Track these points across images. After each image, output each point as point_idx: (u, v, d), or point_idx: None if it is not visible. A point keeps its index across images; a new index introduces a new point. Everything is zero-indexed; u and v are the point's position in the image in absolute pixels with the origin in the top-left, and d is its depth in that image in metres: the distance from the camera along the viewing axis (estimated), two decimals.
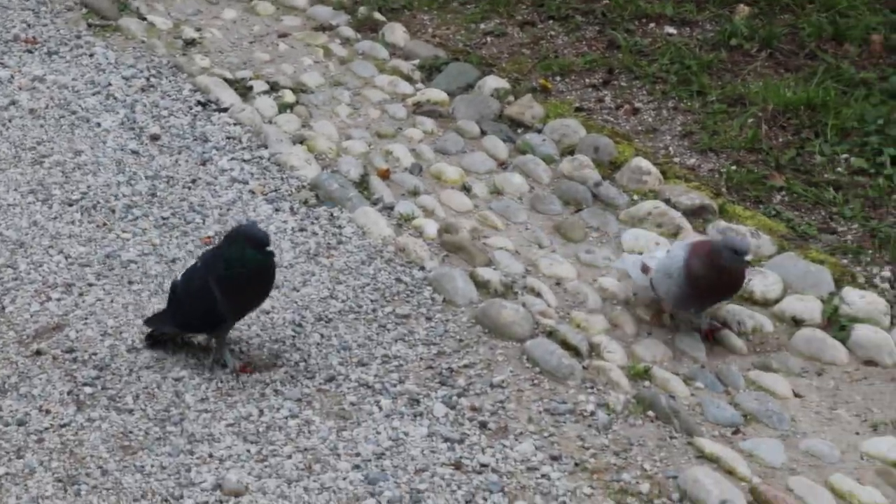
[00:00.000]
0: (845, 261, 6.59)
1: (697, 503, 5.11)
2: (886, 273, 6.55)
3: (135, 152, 7.56)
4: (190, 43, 8.88)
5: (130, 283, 6.39)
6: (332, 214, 6.96)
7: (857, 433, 5.52)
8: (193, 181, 7.29)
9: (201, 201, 7.10)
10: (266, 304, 6.11)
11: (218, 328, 5.78)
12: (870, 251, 6.72)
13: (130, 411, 5.55)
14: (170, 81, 8.30)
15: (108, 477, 5.20)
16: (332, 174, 7.23)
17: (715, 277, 5.78)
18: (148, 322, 5.97)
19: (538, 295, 6.29)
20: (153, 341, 5.96)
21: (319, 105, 8.09)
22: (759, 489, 5.16)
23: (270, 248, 5.58)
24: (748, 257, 5.67)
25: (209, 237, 6.77)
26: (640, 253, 6.33)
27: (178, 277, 5.89)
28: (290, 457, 5.33)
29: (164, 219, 6.94)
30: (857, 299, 6.20)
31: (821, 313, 6.18)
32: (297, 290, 6.36)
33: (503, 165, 7.52)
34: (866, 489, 5.21)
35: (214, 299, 5.60)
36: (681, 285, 5.80)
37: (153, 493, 5.14)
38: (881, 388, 5.76)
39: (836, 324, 6.10)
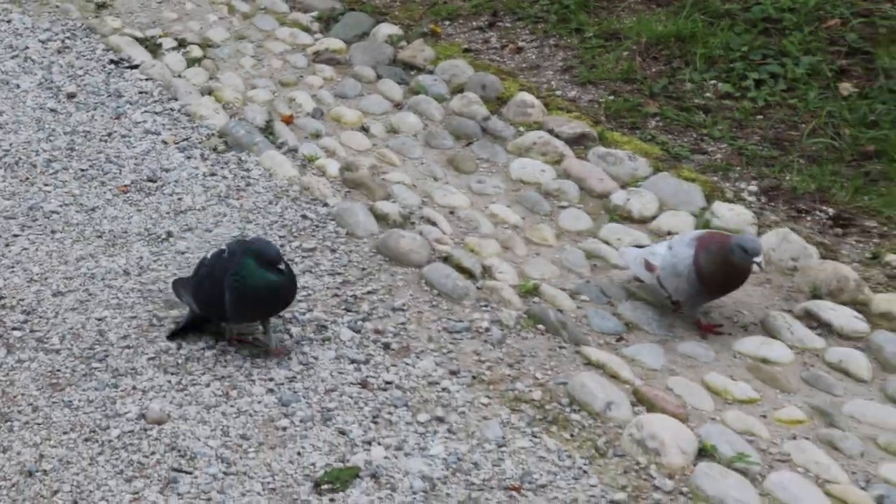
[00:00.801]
0: (715, 178, 6.63)
1: (585, 406, 5.13)
2: (753, 187, 6.61)
3: (53, 110, 7.53)
4: (101, 5, 8.85)
5: (53, 232, 6.38)
6: (240, 159, 6.94)
7: (730, 334, 5.56)
8: (109, 134, 7.26)
9: (117, 153, 7.08)
10: (181, 245, 6.12)
11: (224, 321, 5.60)
12: (737, 168, 6.78)
13: (57, 351, 5.53)
14: (84, 42, 8.25)
15: (39, 413, 5.19)
16: (239, 122, 7.21)
17: (726, 276, 5.57)
18: (175, 284, 5.77)
19: (434, 224, 6.30)
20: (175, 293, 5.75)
21: (225, 58, 8.06)
22: (640, 390, 5.20)
23: (281, 266, 5.32)
24: (759, 259, 5.43)
25: (125, 186, 6.74)
26: (639, 246, 6.01)
27: (209, 255, 5.58)
28: (208, 385, 5.33)
29: (82, 171, 6.92)
30: (726, 212, 6.25)
31: (694, 226, 6.20)
32: (210, 231, 6.35)
33: (398, 106, 7.51)
34: (738, 384, 5.27)
35: (224, 299, 5.39)
36: (692, 283, 5.57)
37: (81, 426, 5.14)
38: (750, 291, 5.81)
39: None
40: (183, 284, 5.65)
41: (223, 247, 5.50)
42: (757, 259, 5.37)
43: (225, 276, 5.33)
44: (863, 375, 5.30)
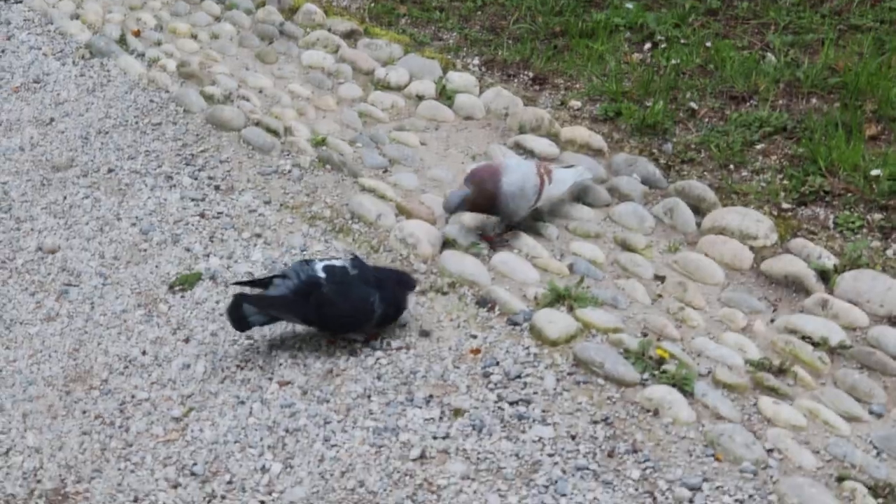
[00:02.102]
0: (449, 56, 6.62)
1: (362, 218, 5.14)
2: (476, 61, 6.62)
3: None
4: None
5: None
6: (102, 63, 6.74)
7: (463, 162, 5.59)
8: (2, 51, 7.00)
9: (9, 64, 6.84)
10: (61, 126, 5.98)
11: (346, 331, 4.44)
12: (465, 48, 6.78)
13: None
14: None
15: None
16: (100, 36, 6.98)
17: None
18: (260, 302, 4.35)
19: (247, 100, 6.21)
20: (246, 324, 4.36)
21: None
22: (401, 204, 5.23)
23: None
24: None
25: (17, 87, 6.52)
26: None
27: (310, 273, 4.34)
28: (87, 224, 5.22)
29: None
30: (457, 78, 6.26)
31: (435, 90, 6.19)
32: (82, 115, 6.16)
33: (218, 19, 7.33)
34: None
35: (372, 314, 4.34)
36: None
37: None
38: (477, 132, 5.84)
39: (445, 95, 6.14)
40: (276, 304, 4.32)
41: (337, 263, 4.38)
42: None
43: (371, 294, 4.30)
44: None
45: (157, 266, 4.90)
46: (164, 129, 5.95)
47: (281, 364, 4.30)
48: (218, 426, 4.03)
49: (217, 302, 4.63)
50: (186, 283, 4.76)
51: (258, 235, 5.06)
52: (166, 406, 4.15)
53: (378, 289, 4.28)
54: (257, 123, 5.92)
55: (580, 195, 5.24)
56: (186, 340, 4.45)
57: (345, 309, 4.27)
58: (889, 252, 4.77)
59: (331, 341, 4.40)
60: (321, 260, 4.37)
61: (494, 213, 4.91)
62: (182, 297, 4.69)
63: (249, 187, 5.41)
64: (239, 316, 4.26)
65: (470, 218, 4.96)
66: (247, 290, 4.45)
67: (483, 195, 4.79)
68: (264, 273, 4.72)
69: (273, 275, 4.41)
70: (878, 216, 4.98)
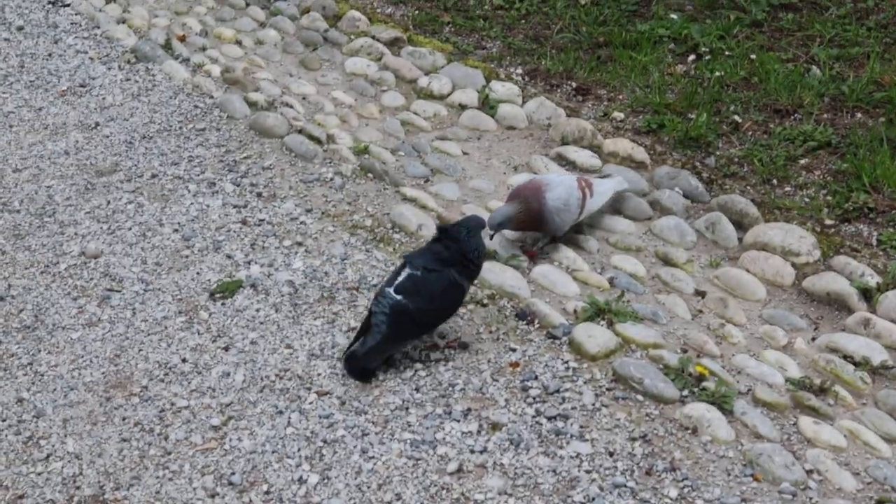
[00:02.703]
0: (492, 65, 6.60)
1: (404, 228, 5.14)
2: (519, 71, 6.61)
3: (7, 39, 7.28)
4: None
5: (10, 126, 6.19)
6: (147, 68, 6.78)
7: (504, 173, 5.58)
8: (49, 55, 7.04)
9: (56, 68, 6.88)
10: (106, 131, 6.03)
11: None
12: (508, 58, 6.76)
13: (18, 211, 5.38)
14: None
15: (6, 255, 5.06)
16: (146, 41, 7.02)
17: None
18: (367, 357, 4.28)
19: (291, 107, 6.22)
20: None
21: None
22: (442, 215, 5.23)
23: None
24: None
25: (63, 90, 6.57)
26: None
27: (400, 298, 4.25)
28: (130, 229, 5.24)
29: (31, 81, 6.71)
30: (500, 88, 6.25)
31: (478, 99, 6.19)
32: (127, 120, 6.19)
33: (262, 25, 7.35)
34: None
35: (461, 285, 4.33)
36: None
37: (38, 262, 5.03)
38: (519, 143, 5.83)
39: (488, 105, 6.13)
40: (385, 348, 4.27)
41: (401, 277, 4.31)
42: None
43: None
44: None
45: (198, 273, 4.91)
46: (208, 135, 5.97)
47: (320, 374, 4.30)
48: (256, 436, 4.03)
49: (257, 310, 4.63)
50: (227, 290, 4.78)
51: (299, 244, 5.06)
52: (205, 414, 4.16)
53: (451, 264, 4.22)
54: (300, 131, 5.93)
55: (621, 208, 5.21)
56: (226, 349, 4.46)
57: (439, 307, 4.26)
58: None
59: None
60: (388, 285, 4.28)
61: (539, 230, 4.89)
62: (223, 304, 4.70)
63: (291, 195, 5.42)
64: (362, 371, 4.25)
65: (511, 231, 4.95)
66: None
67: (529, 212, 4.78)
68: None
69: (367, 316, 4.32)
70: None
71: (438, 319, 4.31)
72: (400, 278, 4.26)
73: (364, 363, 4.23)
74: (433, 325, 4.32)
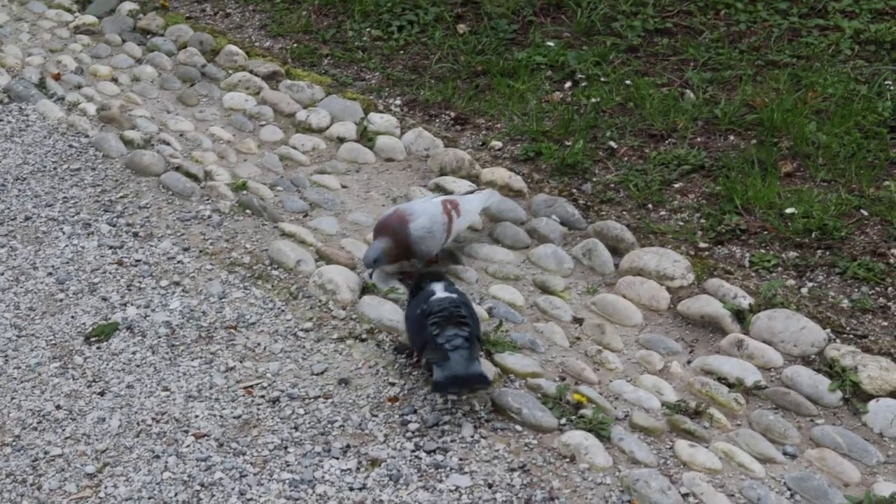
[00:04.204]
0: (371, 97, 6.62)
1: (282, 264, 5.11)
2: (398, 101, 6.63)
3: None
4: None
5: None
6: (20, 108, 6.67)
7: (384, 205, 5.59)
8: None
9: None
10: None
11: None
12: (387, 89, 6.78)
13: None
14: None
15: None
16: (20, 80, 6.91)
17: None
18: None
19: (168, 144, 6.16)
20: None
21: (7, 35, 7.69)
22: (321, 249, 5.20)
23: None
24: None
25: None
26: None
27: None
28: (2, 274, 5.15)
29: None
30: (378, 120, 6.26)
31: (356, 132, 6.19)
32: (0, 162, 6.07)
33: (139, 61, 7.27)
34: None
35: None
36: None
37: None
38: (397, 174, 5.84)
39: (366, 137, 6.12)
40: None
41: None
42: None
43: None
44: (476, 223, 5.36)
45: (73, 317, 4.83)
46: (83, 175, 5.89)
47: (197, 416, 4.26)
48: (132, 482, 3.98)
49: (134, 353, 4.58)
50: (103, 333, 4.71)
51: (176, 283, 5.01)
52: (80, 462, 4.09)
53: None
54: (177, 168, 5.88)
55: (500, 237, 5.25)
56: (102, 393, 4.39)
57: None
58: (803, 290, 4.82)
59: (248, 391, 4.37)
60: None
61: (410, 258, 4.92)
62: (98, 348, 4.63)
63: (168, 234, 5.36)
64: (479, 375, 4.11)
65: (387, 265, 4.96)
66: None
67: (398, 244, 4.80)
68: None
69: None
70: (792, 254, 5.03)
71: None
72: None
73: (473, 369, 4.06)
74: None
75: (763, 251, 5.09)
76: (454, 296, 4.34)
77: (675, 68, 6.79)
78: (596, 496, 3.84)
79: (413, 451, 4.04)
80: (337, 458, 4.03)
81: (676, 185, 5.63)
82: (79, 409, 4.35)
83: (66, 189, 5.80)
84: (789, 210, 5.27)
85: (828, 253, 5.06)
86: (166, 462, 4.06)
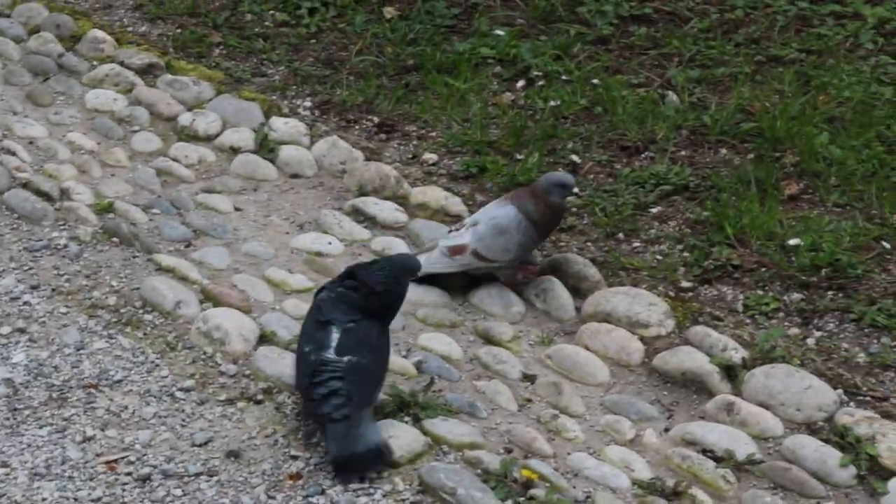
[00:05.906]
0: (274, 97, 6.67)
1: (157, 307, 5.13)
2: (307, 103, 6.69)
3: None
4: None
5: None
6: None
7: (287, 233, 5.61)
8: None
9: None
10: None
11: None
12: (293, 87, 6.83)
13: None
14: None
15: None
16: None
17: (552, 216, 5.21)
18: None
19: (13, 154, 6.15)
20: None
21: None
22: (208, 288, 5.22)
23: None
24: (575, 189, 5.22)
25: None
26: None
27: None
28: None
29: None
30: (281, 126, 6.30)
31: (254, 141, 6.22)
32: None
33: None
34: (296, 276, 5.34)
35: None
36: (526, 231, 5.11)
37: None
38: (305, 195, 5.88)
39: (266, 147, 6.16)
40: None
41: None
42: (574, 190, 5.23)
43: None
44: None
45: None
46: None
47: (45, 499, 4.25)
48: None
49: None
50: None
51: (21, 331, 5.02)
52: None
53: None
54: (25, 185, 5.88)
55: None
56: None
57: None
58: (809, 341, 4.90)
59: (111, 467, 4.37)
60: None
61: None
62: None
63: (12, 268, 5.37)
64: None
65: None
66: None
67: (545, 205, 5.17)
68: None
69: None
70: (796, 296, 5.11)
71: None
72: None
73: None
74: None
75: (760, 292, 5.17)
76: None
77: (655, 64, 6.89)
78: None
79: None
80: None
81: (654, 210, 5.70)
82: None
83: None
84: (793, 241, 5.35)
85: (840, 295, 5.15)
86: None
